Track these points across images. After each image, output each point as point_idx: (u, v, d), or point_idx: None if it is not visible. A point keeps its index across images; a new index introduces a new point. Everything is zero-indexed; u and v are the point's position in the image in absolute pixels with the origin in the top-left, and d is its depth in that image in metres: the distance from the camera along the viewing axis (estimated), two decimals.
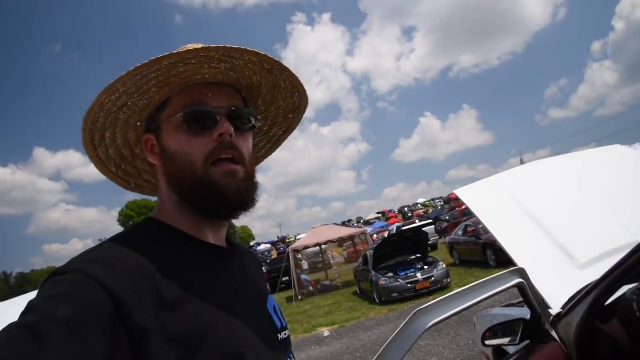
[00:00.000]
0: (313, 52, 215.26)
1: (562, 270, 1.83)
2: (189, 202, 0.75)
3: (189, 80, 0.76)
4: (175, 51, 0.70)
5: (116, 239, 0.69)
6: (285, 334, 0.84)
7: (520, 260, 1.82)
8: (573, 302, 1.53)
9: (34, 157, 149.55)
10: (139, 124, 0.82)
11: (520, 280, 1.58)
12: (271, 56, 0.76)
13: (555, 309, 1.64)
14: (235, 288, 0.78)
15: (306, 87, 0.88)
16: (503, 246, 1.94)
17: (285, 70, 0.81)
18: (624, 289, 1.37)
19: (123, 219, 66.11)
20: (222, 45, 0.72)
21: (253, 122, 0.81)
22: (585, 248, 1.85)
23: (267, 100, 0.91)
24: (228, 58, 0.75)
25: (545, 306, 1.67)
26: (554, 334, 1.63)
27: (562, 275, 1.81)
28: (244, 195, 0.77)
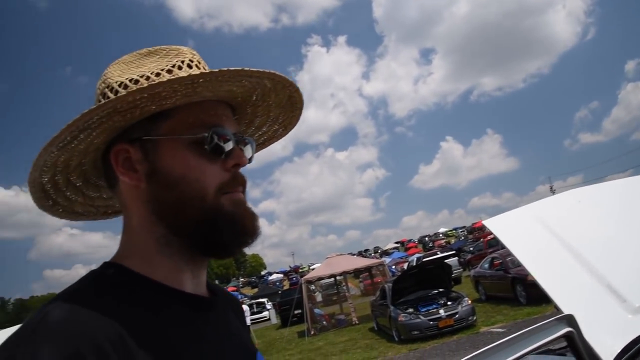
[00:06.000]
0: (328, 75, 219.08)
1: (611, 316, 1.60)
2: (188, 236, 0.64)
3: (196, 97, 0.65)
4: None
5: (72, 298, 0.55)
6: None
7: (562, 303, 1.61)
8: (628, 354, 1.34)
9: None
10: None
11: (569, 328, 1.36)
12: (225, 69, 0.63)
13: None
14: (222, 349, 0.65)
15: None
16: (541, 286, 1.72)
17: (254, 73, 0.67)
18: None
19: None
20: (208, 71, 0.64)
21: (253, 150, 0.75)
22: (639, 289, 1.62)
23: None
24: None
25: (595, 358, 1.45)
26: None
27: (611, 321, 1.59)
28: (257, 225, 0.69)
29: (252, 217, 0.68)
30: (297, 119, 0.82)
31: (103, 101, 0.62)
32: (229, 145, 0.66)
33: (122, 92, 0.63)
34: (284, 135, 0.85)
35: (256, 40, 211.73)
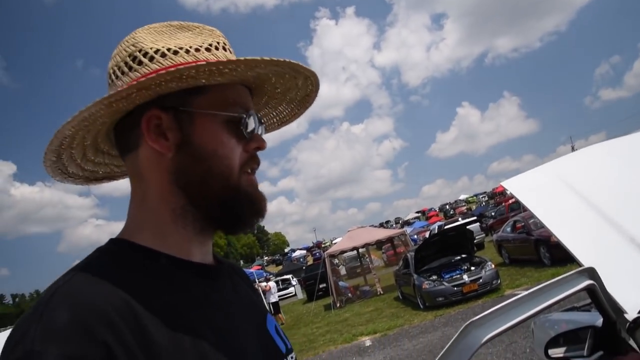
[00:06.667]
0: (339, 48, 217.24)
1: (635, 268, 1.59)
2: (207, 209, 0.66)
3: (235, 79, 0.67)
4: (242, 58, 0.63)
5: (76, 276, 0.57)
6: (292, 358, 0.76)
7: (583, 258, 1.60)
8: None
9: None
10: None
11: (591, 281, 1.36)
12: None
13: (631, 313, 1.41)
14: (231, 313, 0.67)
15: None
16: (562, 242, 1.70)
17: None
18: None
19: None
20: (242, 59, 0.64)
21: None
22: None
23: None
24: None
25: (619, 311, 1.44)
26: (631, 342, 1.40)
27: (635, 273, 1.57)
28: (266, 207, 0.72)
29: (264, 199, 0.71)
30: (297, 117, 0.84)
31: (133, 65, 0.64)
32: (256, 129, 0.69)
33: (160, 59, 0.64)
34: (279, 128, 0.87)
35: (264, 18, 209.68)
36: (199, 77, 0.61)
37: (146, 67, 0.64)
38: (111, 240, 0.65)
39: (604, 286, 1.38)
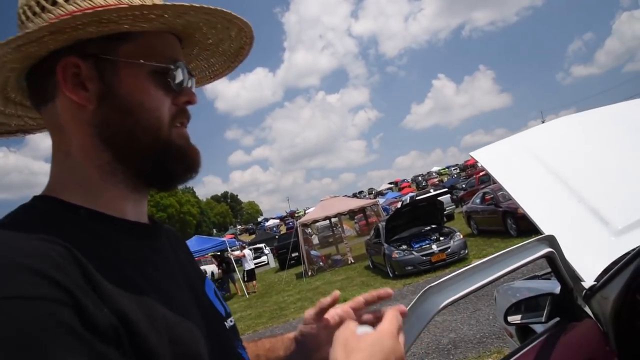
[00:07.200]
0: (316, 15, 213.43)
1: (594, 238, 1.62)
2: (135, 165, 0.62)
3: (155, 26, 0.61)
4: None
5: (5, 230, 0.51)
6: (231, 321, 0.74)
7: (545, 227, 1.61)
8: (609, 273, 1.36)
9: (27, 139, 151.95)
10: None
11: (550, 249, 1.38)
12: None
13: (587, 281, 1.45)
14: (169, 273, 0.64)
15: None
16: (525, 211, 1.72)
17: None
18: None
19: None
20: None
21: None
22: (622, 212, 1.63)
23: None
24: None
25: (576, 279, 1.47)
26: (587, 309, 1.45)
27: (594, 243, 1.61)
28: (201, 161, 0.69)
29: (198, 152, 0.68)
30: (230, 71, 0.80)
31: (46, 5, 0.57)
32: (185, 82, 0.65)
33: (77, 0, 0.57)
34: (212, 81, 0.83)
35: None
36: (121, 21, 0.56)
37: (61, 8, 0.57)
38: (35, 197, 0.60)
39: (562, 254, 1.40)
